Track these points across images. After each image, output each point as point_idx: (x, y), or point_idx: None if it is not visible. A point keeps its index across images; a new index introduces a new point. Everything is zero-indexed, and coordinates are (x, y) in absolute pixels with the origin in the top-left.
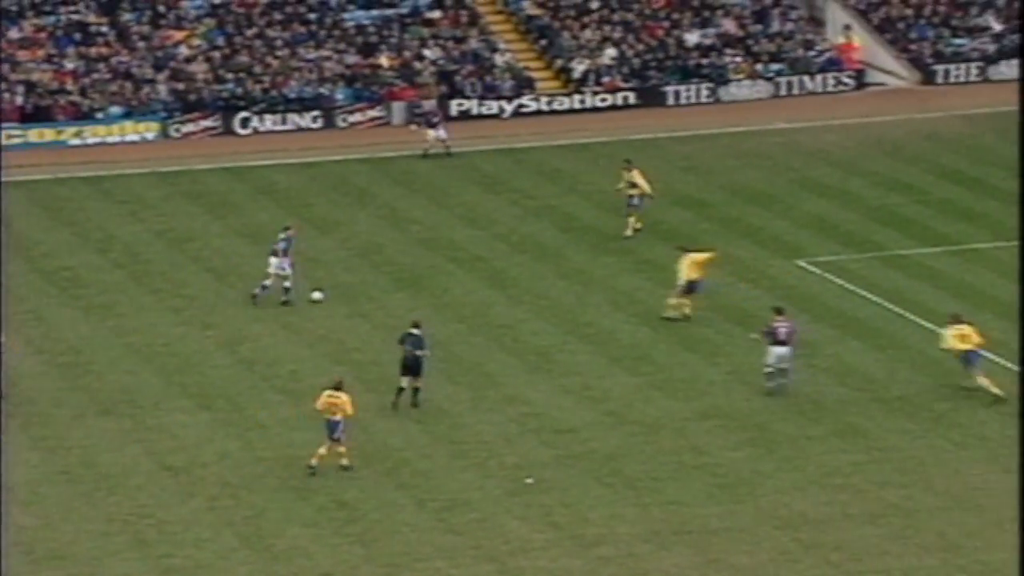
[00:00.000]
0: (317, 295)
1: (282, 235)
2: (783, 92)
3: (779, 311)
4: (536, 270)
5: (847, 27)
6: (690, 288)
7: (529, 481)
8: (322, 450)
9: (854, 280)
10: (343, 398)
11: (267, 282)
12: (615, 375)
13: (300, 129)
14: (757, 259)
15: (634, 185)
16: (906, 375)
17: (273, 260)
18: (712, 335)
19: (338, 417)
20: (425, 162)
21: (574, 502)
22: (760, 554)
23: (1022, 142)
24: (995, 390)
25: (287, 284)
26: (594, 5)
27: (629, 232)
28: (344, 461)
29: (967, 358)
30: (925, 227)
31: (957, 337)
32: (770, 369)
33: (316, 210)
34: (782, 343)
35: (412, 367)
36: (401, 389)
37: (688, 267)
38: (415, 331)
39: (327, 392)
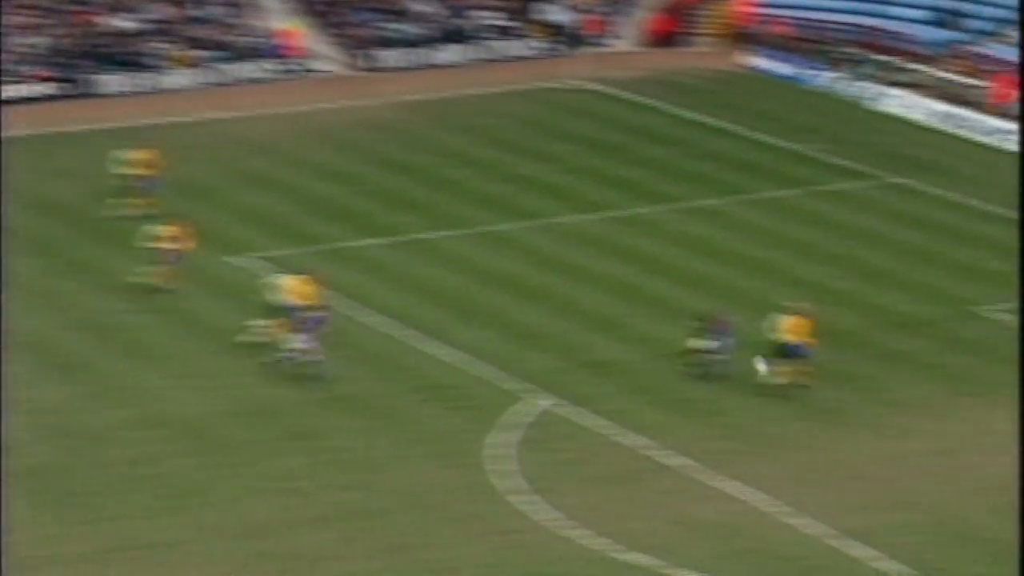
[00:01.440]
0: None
1: None
2: (219, 80)
3: (322, 307)
4: None
5: (285, 13)
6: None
7: None
8: None
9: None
10: None
11: None
12: (53, 384)
13: None
14: (204, 256)
15: (134, 165)
16: (353, 372)
17: None
18: (158, 340)
19: None
20: None
21: (15, 524)
22: (213, 567)
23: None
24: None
25: None
26: None
27: (130, 212)
28: None
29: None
30: (366, 218)
31: None
32: (283, 355)
33: None
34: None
35: None
36: None
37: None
38: None
39: None
